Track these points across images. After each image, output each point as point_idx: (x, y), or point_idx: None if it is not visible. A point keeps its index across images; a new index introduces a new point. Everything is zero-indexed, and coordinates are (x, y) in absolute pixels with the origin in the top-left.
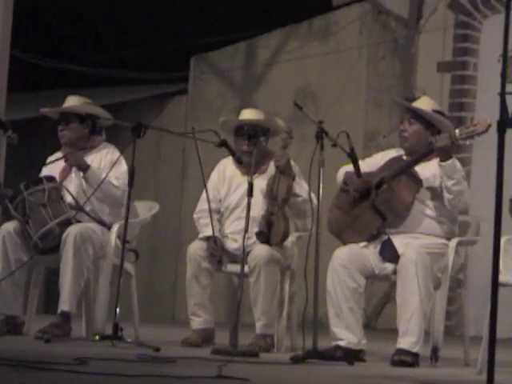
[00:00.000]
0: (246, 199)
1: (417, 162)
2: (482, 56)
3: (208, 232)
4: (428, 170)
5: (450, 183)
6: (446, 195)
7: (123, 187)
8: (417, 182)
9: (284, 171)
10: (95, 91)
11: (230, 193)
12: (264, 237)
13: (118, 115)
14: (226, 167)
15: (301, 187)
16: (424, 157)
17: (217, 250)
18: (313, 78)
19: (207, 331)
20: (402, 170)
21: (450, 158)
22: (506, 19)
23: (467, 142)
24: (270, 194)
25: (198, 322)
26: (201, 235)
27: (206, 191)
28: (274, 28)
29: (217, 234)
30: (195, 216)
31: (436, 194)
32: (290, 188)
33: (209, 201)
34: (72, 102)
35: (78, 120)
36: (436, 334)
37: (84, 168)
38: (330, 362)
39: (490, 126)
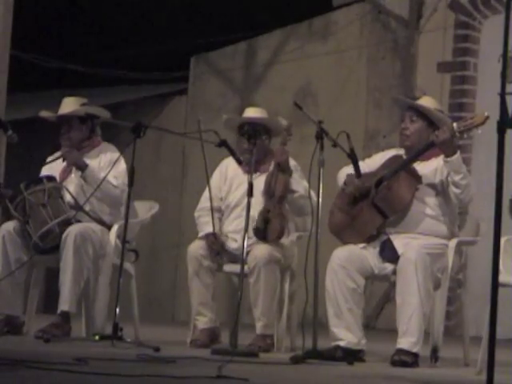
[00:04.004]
0: (246, 198)
1: (416, 157)
2: (482, 56)
3: (208, 230)
4: (427, 167)
5: (457, 178)
6: (455, 190)
7: (122, 186)
8: (416, 178)
9: (283, 168)
10: (95, 91)
11: (230, 191)
12: (260, 233)
13: (117, 115)
14: (228, 166)
15: (297, 183)
16: (423, 152)
17: (216, 244)
18: (313, 78)
19: (213, 330)
20: (402, 167)
21: (455, 153)
22: (506, 19)
23: (465, 136)
24: (268, 191)
25: (203, 322)
26: (201, 234)
27: (209, 189)
28: (274, 28)
29: (217, 232)
30: (196, 214)
31: (436, 191)
32: (286, 185)
33: (211, 199)
34: (69, 104)
35: (78, 122)
36: (436, 334)
37: (82, 167)
38: (329, 362)
39: (487, 118)
